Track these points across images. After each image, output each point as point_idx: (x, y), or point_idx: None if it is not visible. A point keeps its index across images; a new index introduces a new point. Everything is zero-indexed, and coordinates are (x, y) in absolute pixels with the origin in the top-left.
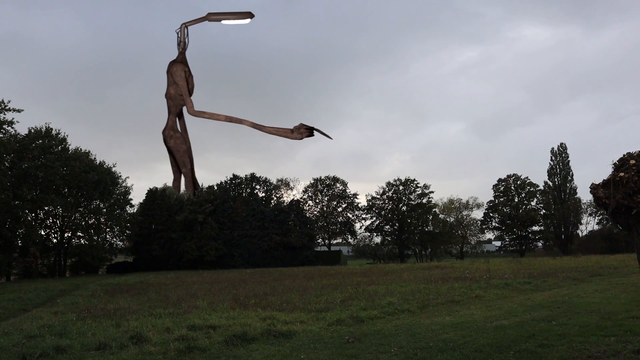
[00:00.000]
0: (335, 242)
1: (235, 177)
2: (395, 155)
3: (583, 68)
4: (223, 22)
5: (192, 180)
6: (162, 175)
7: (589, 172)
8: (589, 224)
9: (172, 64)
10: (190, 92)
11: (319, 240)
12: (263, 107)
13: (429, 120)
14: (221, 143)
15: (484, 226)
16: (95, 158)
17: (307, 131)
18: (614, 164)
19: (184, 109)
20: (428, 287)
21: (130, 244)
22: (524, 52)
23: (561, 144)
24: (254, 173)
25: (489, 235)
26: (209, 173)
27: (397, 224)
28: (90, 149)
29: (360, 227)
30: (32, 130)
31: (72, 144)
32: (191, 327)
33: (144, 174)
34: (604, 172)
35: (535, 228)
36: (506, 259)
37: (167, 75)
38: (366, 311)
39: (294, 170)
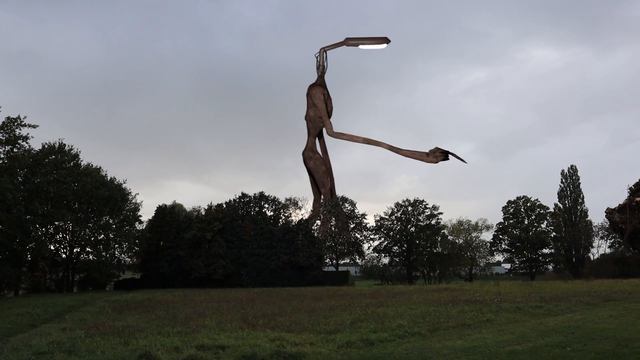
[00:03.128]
0: (342, 262)
1: (244, 195)
2: (403, 176)
3: (593, 90)
4: (360, 47)
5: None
6: (170, 192)
7: (600, 195)
8: (600, 247)
9: (311, 87)
10: (329, 114)
11: (327, 261)
12: (270, 124)
13: (437, 140)
14: (229, 160)
15: (493, 248)
16: (106, 174)
17: (442, 155)
18: (630, 188)
19: (324, 130)
20: (438, 310)
21: (138, 260)
22: (533, 73)
23: (572, 166)
24: (262, 192)
25: (499, 257)
26: (218, 191)
27: (405, 245)
28: (101, 165)
29: (368, 248)
30: (46, 146)
31: (84, 159)
32: (200, 347)
33: (153, 190)
34: (615, 195)
35: (546, 251)
36: (516, 281)
37: (306, 98)
38: (376, 334)
39: (301, 188)
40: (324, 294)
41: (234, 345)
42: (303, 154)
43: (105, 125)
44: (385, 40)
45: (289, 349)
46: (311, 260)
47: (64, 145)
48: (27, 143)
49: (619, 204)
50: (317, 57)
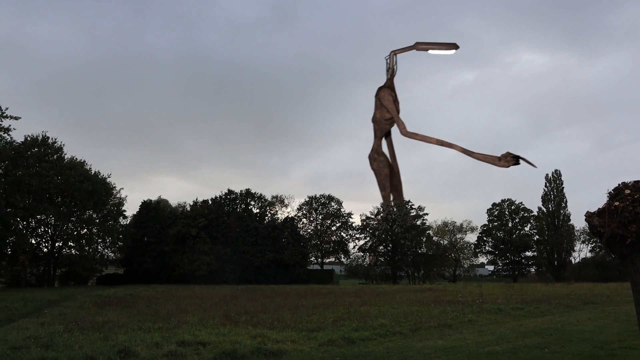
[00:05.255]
0: (328, 260)
1: (230, 192)
2: None
3: (578, 95)
4: (430, 51)
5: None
6: (155, 187)
7: (583, 199)
8: (581, 251)
9: (380, 89)
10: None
11: (312, 259)
12: (256, 122)
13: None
14: (215, 157)
15: (477, 250)
16: (90, 168)
17: (513, 159)
18: (609, 193)
19: (392, 130)
20: (420, 310)
21: (122, 255)
22: (520, 77)
23: (555, 170)
24: (249, 189)
25: (482, 259)
26: (203, 187)
27: (390, 245)
28: (85, 159)
29: (354, 247)
30: (29, 138)
31: (68, 153)
32: (180, 343)
33: (138, 185)
34: (598, 200)
35: (529, 253)
36: (499, 283)
37: (374, 100)
38: (358, 332)
39: (287, 187)
40: (308, 292)
41: (215, 341)
42: (369, 155)
43: (90, 119)
44: (455, 46)
45: (270, 346)
46: (296, 258)
47: (47, 137)
48: (9, 135)
49: (598, 208)
50: (386, 60)
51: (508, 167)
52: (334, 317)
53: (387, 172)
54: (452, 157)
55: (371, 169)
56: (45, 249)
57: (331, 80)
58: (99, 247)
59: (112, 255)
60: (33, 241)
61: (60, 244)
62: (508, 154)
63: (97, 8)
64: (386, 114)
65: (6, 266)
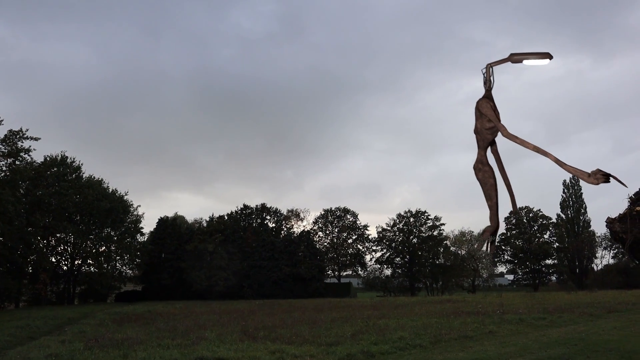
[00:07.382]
0: (345, 273)
1: (245, 207)
2: (404, 186)
3: (594, 98)
4: (525, 62)
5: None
6: (171, 204)
7: (603, 205)
8: (604, 258)
9: (478, 100)
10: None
11: (329, 272)
12: (269, 136)
13: (438, 151)
14: (229, 172)
15: (496, 259)
16: (107, 186)
17: (602, 177)
18: (630, 197)
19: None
20: (440, 322)
21: (140, 272)
22: (533, 81)
23: (573, 175)
24: (264, 203)
25: (502, 268)
26: (219, 203)
27: (407, 256)
28: (103, 177)
29: (371, 259)
30: (48, 158)
31: (86, 171)
32: (199, 359)
33: (154, 202)
34: (617, 205)
35: (549, 261)
36: (519, 293)
37: (474, 112)
38: (377, 346)
39: (302, 200)
40: (325, 306)
41: (234, 357)
42: (473, 166)
43: (106, 137)
44: (548, 55)
45: None
46: (313, 271)
47: (66, 157)
48: (29, 155)
49: (620, 214)
50: (483, 73)
51: (597, 184)
52: (353, 330)
53: (492, 182)
54: (466, 166)
55: (476, 179)
56: (65, 267)
57: (341, 92)
58: (117, 265)
59: (130, 272)
60: (53, 259)
61: (80, 262)
62: (598, 171)
63: (110, 28)
64: (486, 124)
65: (27, 284)
